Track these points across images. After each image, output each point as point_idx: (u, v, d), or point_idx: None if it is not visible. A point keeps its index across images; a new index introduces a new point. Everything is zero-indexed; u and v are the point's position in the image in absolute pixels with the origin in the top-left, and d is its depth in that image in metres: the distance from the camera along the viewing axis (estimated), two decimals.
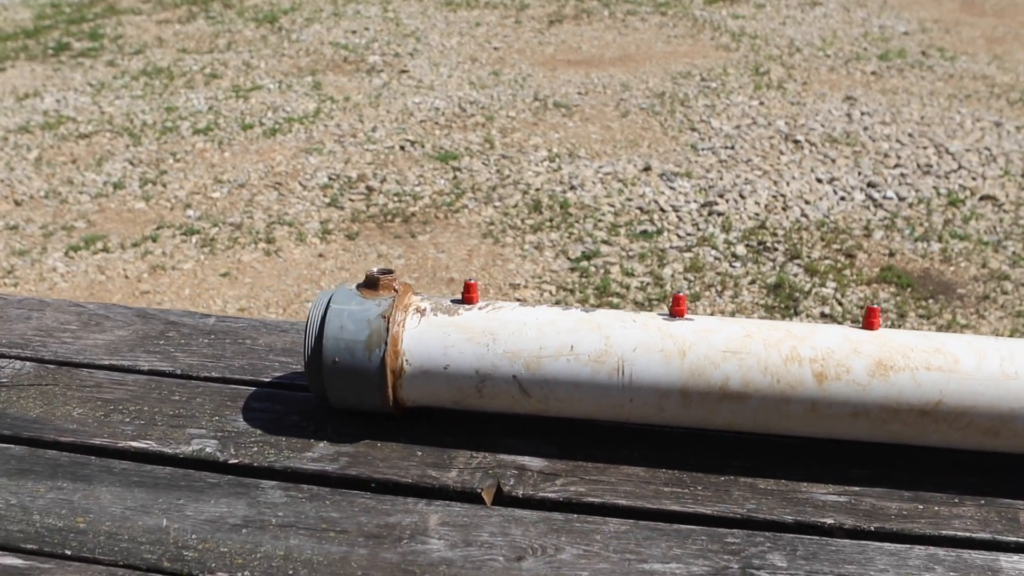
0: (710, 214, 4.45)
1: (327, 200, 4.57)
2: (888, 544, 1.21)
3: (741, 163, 4.89)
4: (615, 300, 3.82)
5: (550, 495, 1.25)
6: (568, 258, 4.14)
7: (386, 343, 1.27)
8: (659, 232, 4.32)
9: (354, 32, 7.06)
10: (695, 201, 4.54)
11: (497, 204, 4.56)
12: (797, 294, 3.87)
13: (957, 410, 1.26)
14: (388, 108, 5.62)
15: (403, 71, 6.26)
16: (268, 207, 4.51)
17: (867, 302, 3.82)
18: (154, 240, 4.27)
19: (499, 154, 5.03)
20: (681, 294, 1.32)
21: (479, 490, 1.26)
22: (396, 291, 1.32)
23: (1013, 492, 1.29)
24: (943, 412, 1.26)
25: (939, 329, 3.67)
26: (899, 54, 6.62)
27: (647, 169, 4.85)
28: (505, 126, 5.40)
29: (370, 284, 1.33)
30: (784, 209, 4.48)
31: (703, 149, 5.08)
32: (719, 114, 5.56)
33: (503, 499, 1.25)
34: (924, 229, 4.34)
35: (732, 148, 5.08)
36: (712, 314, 3.75)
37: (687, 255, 4.16)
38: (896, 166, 4.88)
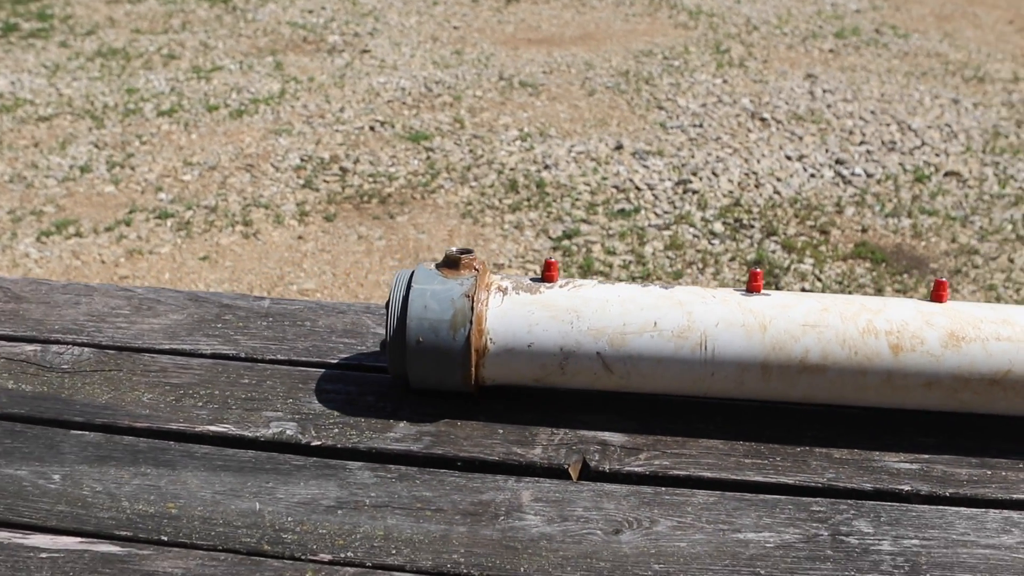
0: (685, 192, 4.49)
1: (301, 182, 4.54)
2: (964, 508, 1.25)
3: (711, 141, 4.94)
4: (599, 279, 3.85)
5: (636, 469, 1.27)
6: (549, 237, 4.16)
7: (471, 322, 1.28)
8: (636, 210, 4.36)
9: (311, 12, 6.99)
10: (669, 179, 4.58)
11: (473, 184, 4.56)
12: (777, 270, 3.93)
13: None
14: (354, 88, 5.59)
15: (364, 51, 6.22)
16: (242, 189, 4.47)
17: (844, 277, 3.90)
18: (128, 224, 4.21)
19: (470, 134, 5.03)
20: (758, 270, 1.35)
21: (566, 466, 1.27)
22: (477, 271, 1.33)
23: None
24: (1012, 380, 1.30)
25: None
26: (854, 32, 6.71)
27: (619, 148, 4.88)
28: (473, 105, 5.39)
29: (450, 263, 1.33)
30: (757, 187, 4.54)
31: (672, 127, 5.12)
32: (684, 92, 5.61)
33: (590, 474, 1.27)
34: (894, 205, 4.42)
35: (701, 126, 5.13)
36: None
37: (666, 233, 4.20)
38: (862, 143, 4.96)
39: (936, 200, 4.46)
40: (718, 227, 4.25)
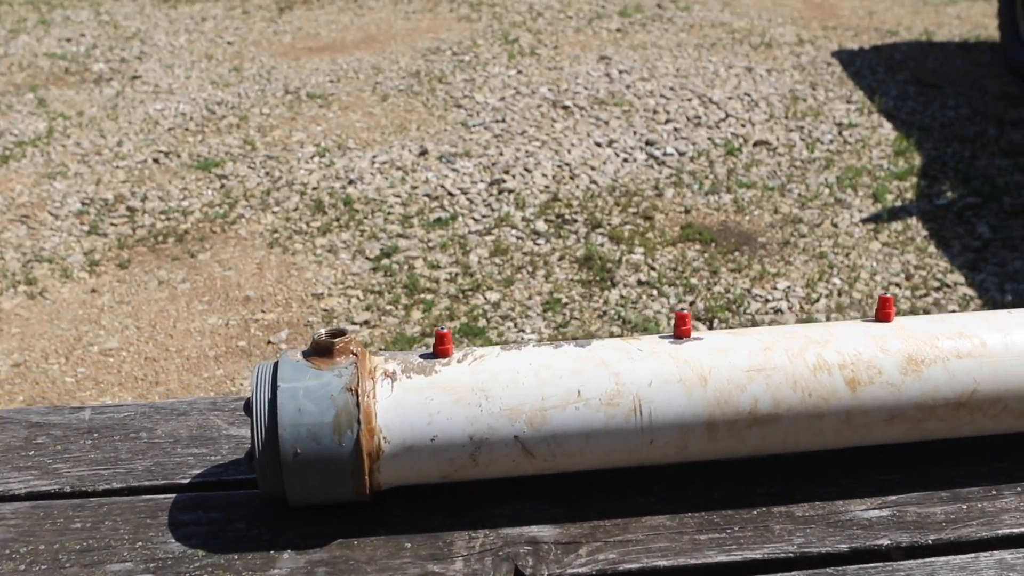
0: (500, 192, 4.31)
1: (86, 228, 4.13)
2: (953, 558, 1.10)
3: (517, 136, 4.78)
4: (428, 296, 3.63)
5: (580, 571, 1.06)
6: (367, 258, 3.90)
7: (358, 422, 1.04)
8: (453, 218, 4.15)
9: (69, 40, 6.46)
10: (482, 181, 4.39)
11: (276, 209, 4.25)
12: (609, 264, 3.79)
13: (992, 396, 1.15)
14: (129, 119, 5.16)
15: (135, 77, 5.78)
16: (19, 244, 4.02)
17: (677, 263, 3.80)
18: None
19: (263, 155, 4.70)
20: (684, 311, 1.15)
21: None
22: (355, 355, 1.08)
23: None
24: (978, 401, 1.15)
25: (752, 281, 3.69)
26: (636, 9, 6.69)
27: (424, 153, 4.65)
28: (262, 124, 5.06)
29: (321, 351, 1.08)
30: (572, 178, 4.40)
31: (474, 125, 4.93)
32: (480, 87, 5.42)
33: None
34: (711, 182, 4.36)
35: (503, 121, 4.96)
36: (530, 297, 3.62)
37: (488, 238, 4.01)
38: (667, 121, 4.90)
39: (751, 172, 4.42)
40: (541, 225, 4.09)
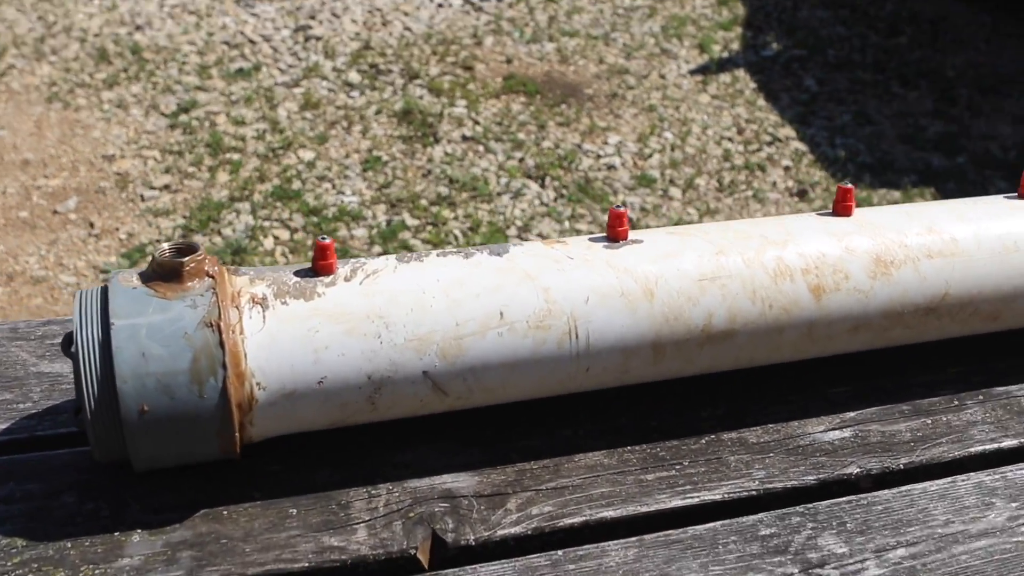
0: (307, 40, 3.95)
1: None
2: (929, 484, 0.96)
3: None
4: (234, 156, 3.29)
5: (513, 531, 0.86)
6: (162, 114, 3.51)
7: (223, 366, 0.79)
8: (256, 68, 3.78)
9: None
10: (286, 27, 4.01)
11: (53, 59, 3.77)
12: (431, 118, 3.53)
13: (963, 299, 1.01)
14: None
15: None
16: None
17: (503, 117, 3.57)
18: None
19: None
20: (621, 208, 0.94)
21: (412, 551, 0.84)
22: (211, 277, 0.83)
23: (996, 376, 1.08)
24: (949, 305, 1.00)
25: (582, 136, 3.51)
26: None
27: None
28: None
29: (165, 273, 0.82)
30: (385, 24, 4.07)
31: None
32: None
33: (449, 554, 0.85)
34: (532, 30, 4.12)
35: None
36: (348, 155, 3.34)
37: (297, 91, 3.67)
38: None
39: (573, 19, 4.20)
40: (353, 76, 3.77)
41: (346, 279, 0.86)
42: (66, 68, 3.71)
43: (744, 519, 0.90)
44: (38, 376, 0.96)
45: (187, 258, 0.82)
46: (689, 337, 0.92)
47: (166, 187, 3.14)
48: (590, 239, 0.95)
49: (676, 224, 3.11)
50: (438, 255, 0.91)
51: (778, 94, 3.89)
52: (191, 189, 3.14)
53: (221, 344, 0.80)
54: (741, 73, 3.99)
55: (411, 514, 0.86)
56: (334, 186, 3.17)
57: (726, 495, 0.91)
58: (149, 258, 0.83)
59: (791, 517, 0.90)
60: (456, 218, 3.04)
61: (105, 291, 0.83)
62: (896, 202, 3.37)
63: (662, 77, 3.90)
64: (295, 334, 0.82)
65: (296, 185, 3.16)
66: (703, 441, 0.97)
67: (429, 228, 2.99)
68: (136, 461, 0.82)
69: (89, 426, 0.80)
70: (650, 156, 3.44)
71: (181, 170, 3.22)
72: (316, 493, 0.88)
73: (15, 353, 0.99)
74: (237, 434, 0.82)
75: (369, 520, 0.86)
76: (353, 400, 0.85)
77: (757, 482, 0.93)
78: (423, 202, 3.11)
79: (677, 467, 0.93)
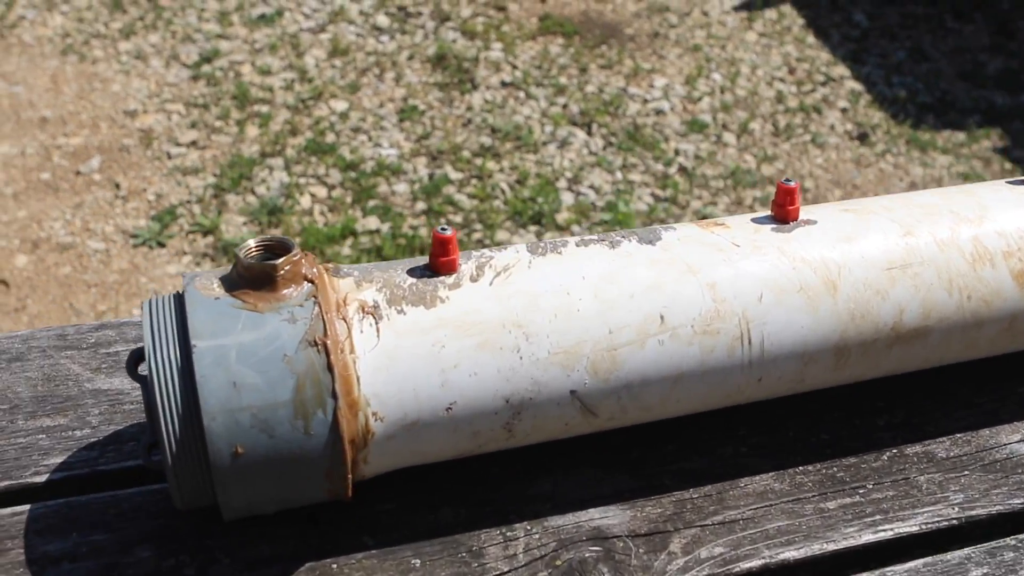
0: None
1: None
2: None
3: None
4: (263, 108, 3.12)
5: None
6: (184, 64, 3.33)
7: (333, 395, 0.64)
8: (279, 13, 3.59)
9: None
10: None
11: (64, 8, 3.59)
12: (466, 63, 3.35)
13: None
14: None
15: None
16: None
17: (541, 60, 3.38)
18: None
19: None
20: (791, 183, 0.78)
21: None
22: (311, 281, 0.67)
23: None
24: None
25: (627, 79, 3.32)
26: None
27: None
28: None
29: (253, 279, 0.67)
30: None
31: None
32: None
33: None
34: None
35: None
36: (382, 105, 3.16)
37: (324, 37, 3.49)
38: None
39: None
40: (382, 20, 3.58)
41: (472, 279, 0.70)
42: (79, 18, 3.53)
43: (948, 557, 0.75)
44: (94, 395, 0.81)
45: (281, 260, 0.67)
46: (877, 337, 0.76)
47: (193, 143, 2.98)
48: (754, 220, 0.79)
49: (733, 173, 2.94)
50: (577, 244, 0.75)
51: (827, 31, 3.69)
52: (220, 145, 2.97)
53: (329, 367, 0.64)
54: (787, 8, 3.79)
55: (558, 562, 0.71)
56: (370, 138, 3.00)
57: (923, 526, 0.76)
58: (232, 258, 0.67)
59: (1003, 552, 0.75)
60: (502, 170, 2.87)
61: (181, 301, 0.68)
62: (962, 144, 3.19)
63: (705, 14, 3.70)
64: (417, 351, 0.67)
65: (330, 138, 2.99)
66: (884, 457, 0.81)
67: (474, 182, 2.83)
68: (227, 510, 0.67)
69: (169, 471, 0.65)
70: (699, 99, 3.26)
71: (208, 124, 3.05)
72: (441, 537, 0.73)
73: (66, 366, 0.84)
74: (350, 475, 0.67)
75: (509, 571, 0.71)
76: (487, 428, 0.70)
77: (956, 508, 0.78)
78: (465, 154, 2.94)
79: (860, 491, 0.78)
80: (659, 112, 3.19)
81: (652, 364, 0.71)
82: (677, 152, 3.01)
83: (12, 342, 0.85)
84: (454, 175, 2.85)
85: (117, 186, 2.81)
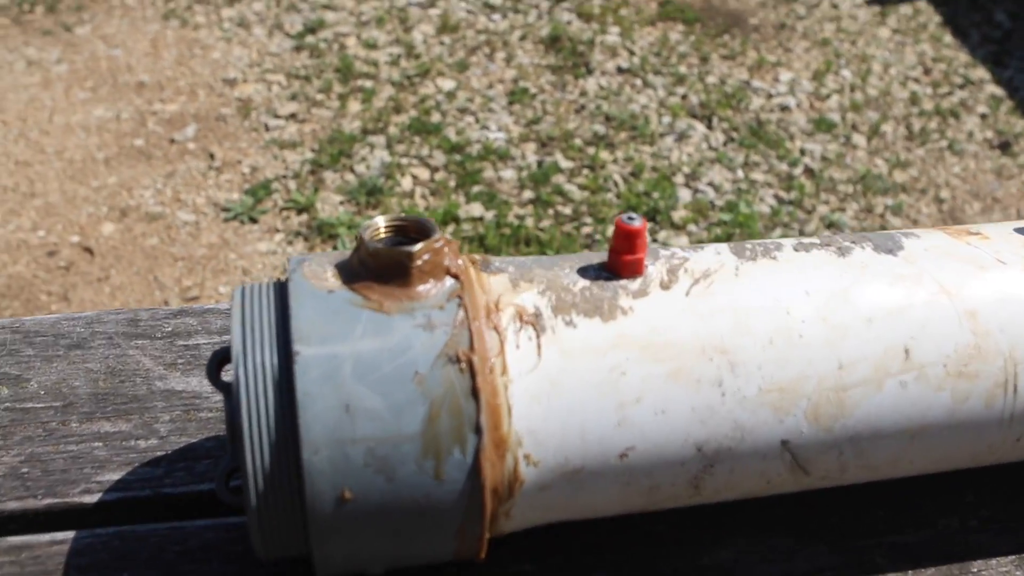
0: None
1: None
2: None
3: None
4: (366, 83, 2.98)
5: None
6: (287, 34, 3.21)
7: (478, 429, 0.48)
8: None
9: None
10: None
11: None
12: (581, 47, 3.18)
13: None
14: None
15: None
16: None
17: (660, 47, 3.20)
18: None
19: None
20: None
21: None
22: (454, 275, 0.51)
23: None
24: None
25: (750, 71, 3.12)
26: None
27: None
28: None
29: (382, 269, 0.51)
30: None
31: None
32: None
33: None
34: None
35: None
36: (491, 86, 3.01)
37: (433, 12, 3.34)
38: None
39: None
40: None
41: (663, 285, 0.54)
42: None
43: None
44: (166, 396, 0.66)
45: (419, 247, 0.50)
46: None
47: (292, 116, 2.85)
48: (1018, 230, 0.61)
49: (863, 177, 2.72)
50: (795, 248, 0.57)
51: (966, 30, 3.44)
52: (320, 119, 2.84)
53: (474, 392, 0.48)
54: (923, 5, 3.55)
55: None
56: (477, 120, 2.85)
57: None
58: (354, 240, 0.52)
59: None
60: (615, 161, 2.70)
61: (284, 292, 0.52)
62: None
63: (835, 7, 3.48)
64: (589, 377, 0.50)
65: (435, 118, 2.84)
66: None
67: (586, 172, 2.65)
68: (323, 566, 0.51)
69: (251, 511, 0.50)
70: (827, 97, 3.05)
71: (309, 97, 2.92)
72: None
73: (135, 358, 0.68)
74: (486, 532, 0.51)
75: None
76: (668, 482, 0.53)
77: None
78: (577, 141, 2.77)
79: None
80: (784, 108, 2.98)
81: (889, 412, 0.53)
82: (803, 152, 2.81)
83: (74, 325, 0.70)
84: (565, 163, 2.68)
85: (211, 156, 2.69)
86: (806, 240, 0.58)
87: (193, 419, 0.65)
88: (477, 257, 0.55)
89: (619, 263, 0.54)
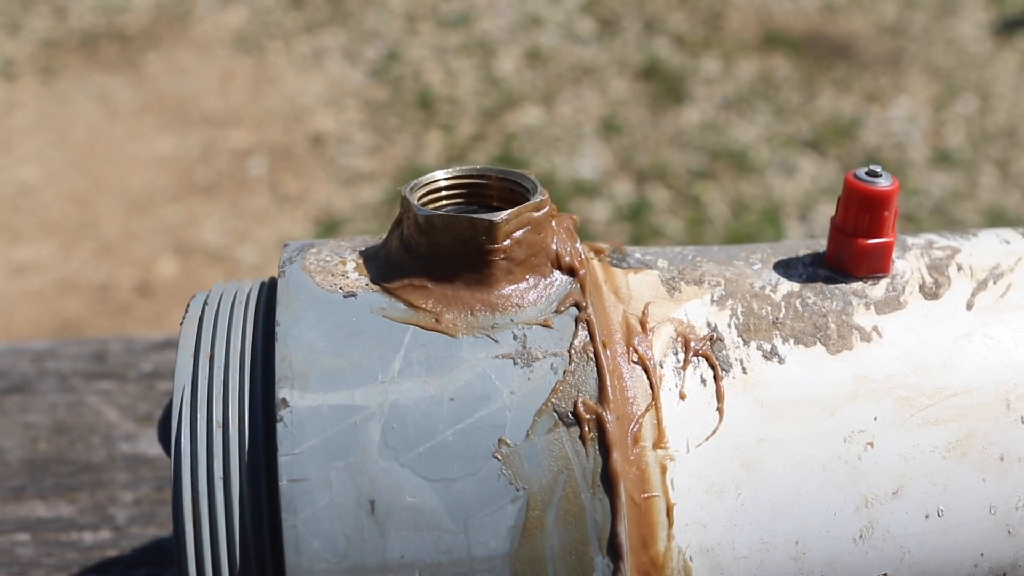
0: None
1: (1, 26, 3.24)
2: None
3: None
4: (447, 115, 2.79)
5: None
6: (363, 65, 3.04)
7: (613, 547, 0.24)
8: (470, 15, 3.28)
9: None
10: None
11: (243, 4, 3.36)
12: (677, 77, 2.96)
13: None
14: None
15: None
16: None
17: (764, 79, 2.97)
18: None
19: None
20: None
21: None
22: (567, 267, 0.28)
23: None
24: None
25: (861, 102, 2.87)
26: None
27: None
28: None
29: (442, 253, 0.27)
30: None
31: None
32: None
33: None
34: None
35: None
36: (581, 117, 2.80)
37: (519, 41, 3.15)
38: None
39: None
40: (585, 26, 3.23)
41: (927, 292, 0.31)
42: (258, 15, 3.30)
43: None
44: (132, 465, 0.45)
45: (504, 215, 0.28)
46: None
47: (368, 149, 2.67)
48: None
49: (990, 214, 2.45)
50: None
51: None
52: (397, 152, 2.66)
53: (607, 480, 0.25)
54: None
55: None
56: (566, 153, 2.64)
57: None
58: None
59: None
60: (717, 196, 2.46)
61: (272, 296, 0.30)
62: None
63: (950, 35, 3.21)
64: (811, 450, 0.28)
65: (522, 150, 2.64)
66: None
67: (685, 207, 2.42)
68: None
69: None
70: (948, 127, 2.78)
71: (385, 129, 2.74)
72: None
73: (94, 408, 0.47)
74: None
75: None
76: None
77: None
78: (675, 175, 2.54)
79: None
80: (900, 141, 2.72)
81: None
82: (925, 185, 2.55)
83: (17, 360, 0.49)
84: (661, 198, 2.46)
85: (282, 191, 2.52)
86: None
87: (167, 500, 0.43)
88: (603, 246, 0.32)
89: (851, 252, 0.31)
